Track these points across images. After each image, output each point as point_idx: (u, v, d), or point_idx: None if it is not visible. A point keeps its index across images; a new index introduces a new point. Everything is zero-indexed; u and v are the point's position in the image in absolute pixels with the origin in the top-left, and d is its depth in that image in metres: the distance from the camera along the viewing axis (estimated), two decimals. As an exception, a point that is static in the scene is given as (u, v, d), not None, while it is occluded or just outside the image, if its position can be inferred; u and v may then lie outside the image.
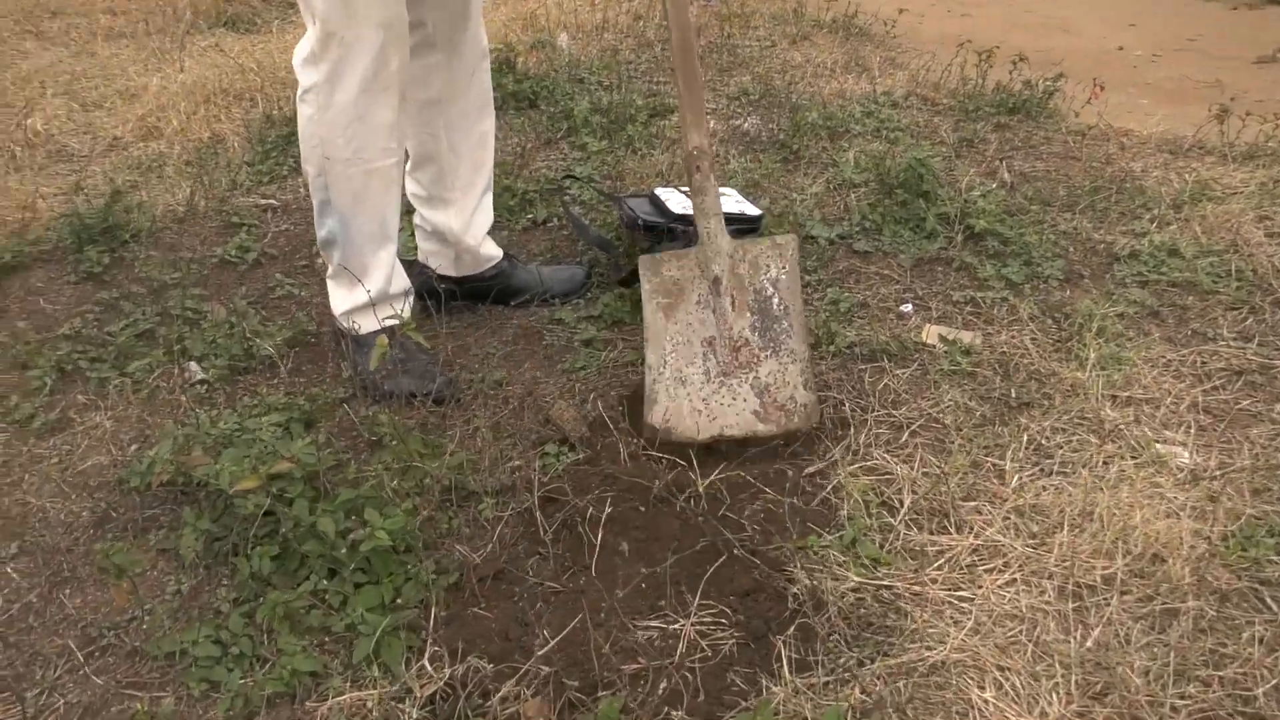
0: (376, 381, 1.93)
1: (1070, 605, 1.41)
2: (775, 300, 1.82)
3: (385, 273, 1.94)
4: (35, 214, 2.70)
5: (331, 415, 1.87)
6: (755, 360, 1.79)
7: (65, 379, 2.01)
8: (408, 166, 2.10)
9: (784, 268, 1.83)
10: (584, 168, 2.91)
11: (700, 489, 1.61)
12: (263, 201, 2.83)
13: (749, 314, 1.81)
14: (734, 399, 1.78)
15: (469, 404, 1.91)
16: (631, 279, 2.16)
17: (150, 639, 1.39)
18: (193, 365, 2.02)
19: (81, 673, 1.36)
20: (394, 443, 1.69)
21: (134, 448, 1.79)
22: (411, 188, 2.12)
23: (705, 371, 1.78)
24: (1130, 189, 2.61)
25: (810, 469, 1.69)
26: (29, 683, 1.35)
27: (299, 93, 1.74)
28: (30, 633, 1.43)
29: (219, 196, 2.83)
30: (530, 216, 2.68)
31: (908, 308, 2.18)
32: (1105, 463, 1.69)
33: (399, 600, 1.44)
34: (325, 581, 1.46)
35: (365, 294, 1.94)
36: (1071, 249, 2.38)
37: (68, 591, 1.49)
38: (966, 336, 2.04)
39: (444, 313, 2.22)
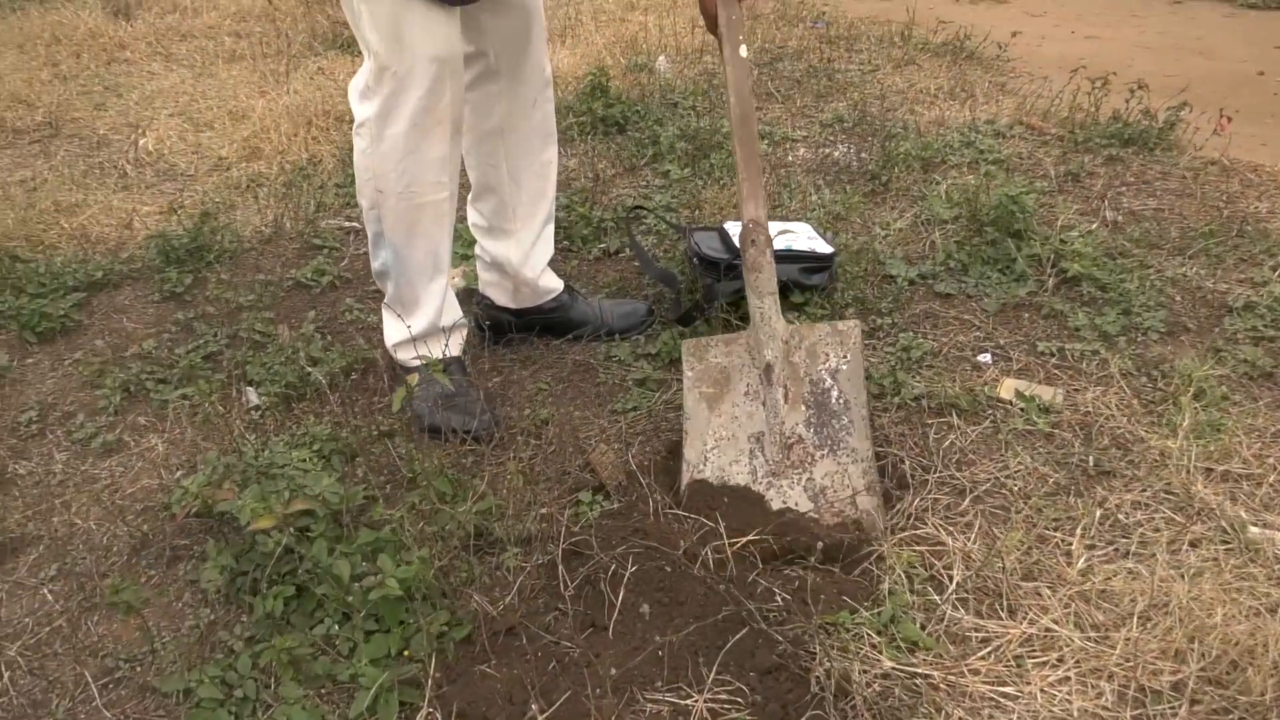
0: (422, 415, 1.91)
1: (1130, 712, 1.26)
2: (834, 393, 1.64)
3: (436, 305, 1.93)
4: (132, 232, 2.83)
5: (373, 449, 1.86)
6: (809, 459, 1.60)
7: (130, 399, 2.07)
8: (469, 196, 2.08)
9: (845, 357, 1.66)
10: (662, 196, 2.85)
11: (729, 552, 1.51)
12: (346, 224, 2.88)
13: (804, 408, 1.63)
14: (784, 503, 1.58)
15: (509, 443, 1.87)
16: (689, 317, 2.09)
17: (162, 675, 1.39)
18: (250, 391, 2.05)
19: (94, 704, 1.37)
20: (423, 483, 1.66)
21: (179, 474, 1.82)
22: (472, 218, 2.11)
23: (752, 471, 1.61)
24: (1251, 232, 2.36)
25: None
26: (44, 711, 1.36)
27: (354, 126, 1.75)
28: (54, 659, 1.45)
29: (305, 218, 2.90)
30: (603, 246, 2.63)
31: (986, 358, 2.03)
32: (1190, 546, 1.51)
33: (406, 652, 1.40)
34: (337, 626, 1.44)
35: (419, 323, 1.93)
36: (1178, 298, 2.17)
37: (95, 619, 1.52)
38: (1047, 393, 1.87)
39: (501, 344, 2.21)
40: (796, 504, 1.58)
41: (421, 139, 1.71)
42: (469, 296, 2.29)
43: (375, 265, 1.91)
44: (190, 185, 3.24)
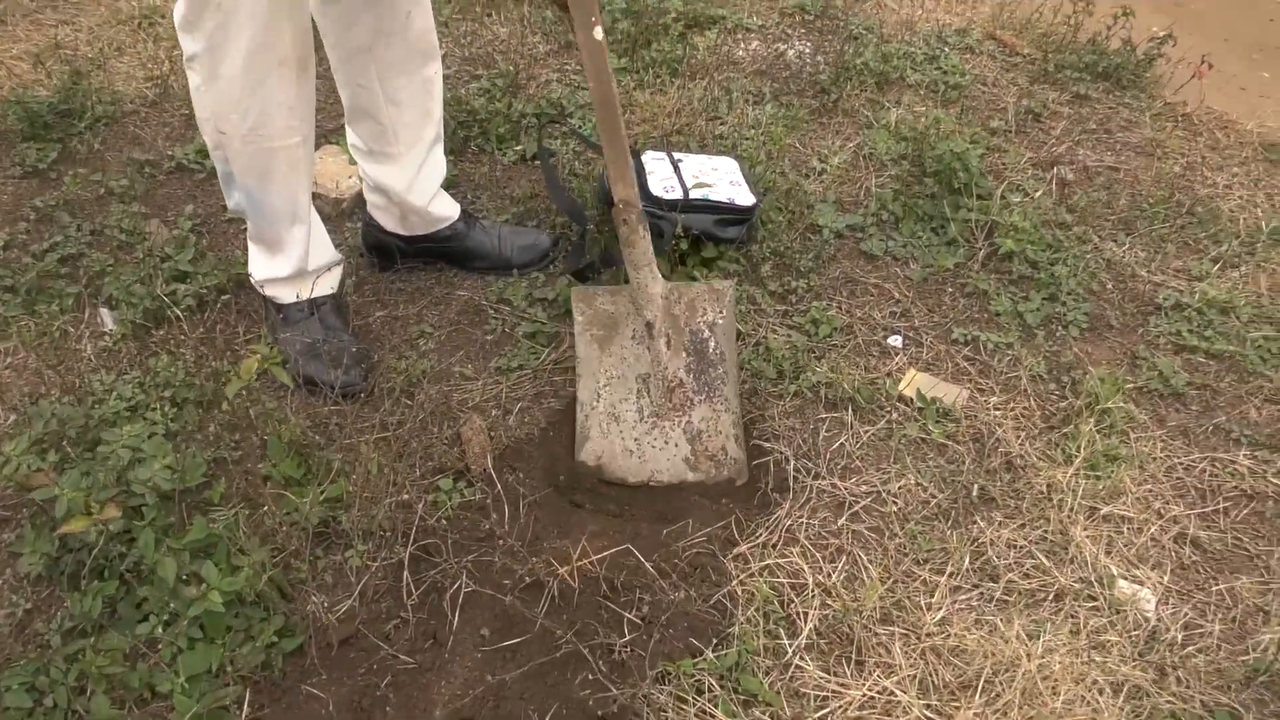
0: (293, 359, 1.78)
1: (953, 796, 1.25)
2: (711, 344, 1.70)
3: (300, 250, 1.75)
4: (-3, 83, 2.53)
5: (250, 375, 1.72)
6: (689, 403, 1.68)
7: (-25, 308, 1.90)
8: (344, 117, 1.86)
9: (721, 313, 1.70)
10: (587, 94, 2.59)
11: (574, 576, 1.45)
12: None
13: (684, 354, 1.69)
14: (666, 443, 1.67)
15: (378, 401, 1.75)
16: (586, 273, 1.93)
17: (-30, 671, 1.32)
18: (104, 313, 1.89)
19: (-107, 699, 1.31)
20: (272, 465, 1.55)
21: (11, 418, 1.68)
22: (351, 139, 1.89)
23: (639, 410, 1.68)
24: (1202, 213, 2.22)
25: (722, 555, 1.51)
26: None
27: (184, 59, 1.50)
28: None
29: (196, 79, 2.61)
30: (519, 149, 2.42)
31: (897, 340, 1.92)
32: (1055, 598, 1.47)
33: (230, 667, 1.33)
34: (162, 629, 1.37)
35: (283, 266, 1.77)
36: (1109, 285, 2.05)
37: (-98, 593, 1.43)
38: (950, 394, 1.78)
39: (390, 272, 2.04)
40: (677, 444, 1.64)
41: (262, 79, 1.48)
42: (359, 208, 2.10)
43: (230, 204, 1.72)
44: (74, 18, 2.89)
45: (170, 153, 2.36)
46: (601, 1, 2.92)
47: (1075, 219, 2.18)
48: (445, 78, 2.61)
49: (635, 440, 1.66)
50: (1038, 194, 2.23)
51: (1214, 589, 1.50)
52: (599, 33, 1.51)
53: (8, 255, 2.02)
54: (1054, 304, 1.98)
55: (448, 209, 2.00)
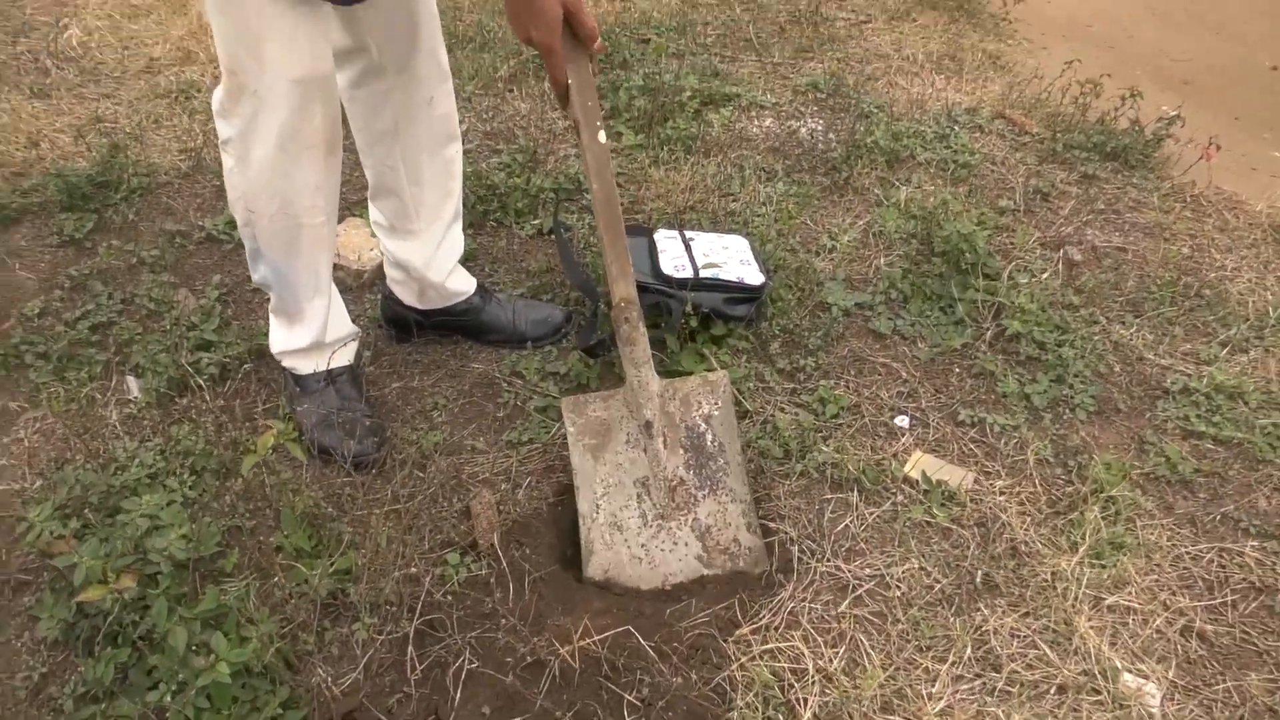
0: (309, 430, 1.82)
1: None
2: (709, 437, 1.69)
3: (320, 321, 1.81)
4: (39, 154, 2.64)
5: (265, 450, 1.76)
6: (693, 500, 1.66)
7: (7, 374, 1.96)
8: (368, 193, 1.93)
9: (717, 404, 1.71)
10: (609, 167, 2.66)
11: (575, 656, 1.46)
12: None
13: (682, 451, 1.68)
14: (675, 544, 1.65)
15: (390, 474, 1.79)
16: (597, 351, 1.97)
17: (-19, 738, 1.35)
18: (131, 381, 1.95)
19: (-94, 765, 1.34)
20: (285, 535, 1.59)
21: (38, 483, 1.73)
22: (373, 215, 1.96)
23: (641, 515, 1.65)
24: (1210, 296, 2.24)
25: (723, 637, 1.52)
26: None
27: (220, 141, 1.58)
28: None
29: (229, 151, 2.71)
30: (537, 224, 2.48)
31: (903, 421, 1.94)
32: (1058, 691, 1.47)
33: (232, 743, 1.35)
34: (170, 697, 1.39)
35: (302, 338, 1.82)
36: (1117, 368, 2.06)
37: (-77, 658, 1.47)
38: (955, 477, 1.80)
39: (407, 344, 2.09)
40: (687, 544, 1.63)
41: (292, 163, 1.55)
42: (379, 279, 2.16)
43: (255, 278, 1.78)
44: (115, 92, 3.02)
45: (201, 223, 2.44)
46: (619, 81, 3.02)
47: (1083, 300, 2.20)
48: (466, 152, 2.70)
49: (642, 546, 1.63)
50: (1045, 275, 2.25)
51: (1221, 686, 1.49)
52: (603, 136, 1.57)
53: (42, 322, 2.09)
54: (1061, 386, 2.00)
55: (464, 284, 2.06)
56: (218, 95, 1.51)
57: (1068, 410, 1.96)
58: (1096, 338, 2.12)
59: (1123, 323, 2.18)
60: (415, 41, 1.69)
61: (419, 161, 1.83)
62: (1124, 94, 2.77)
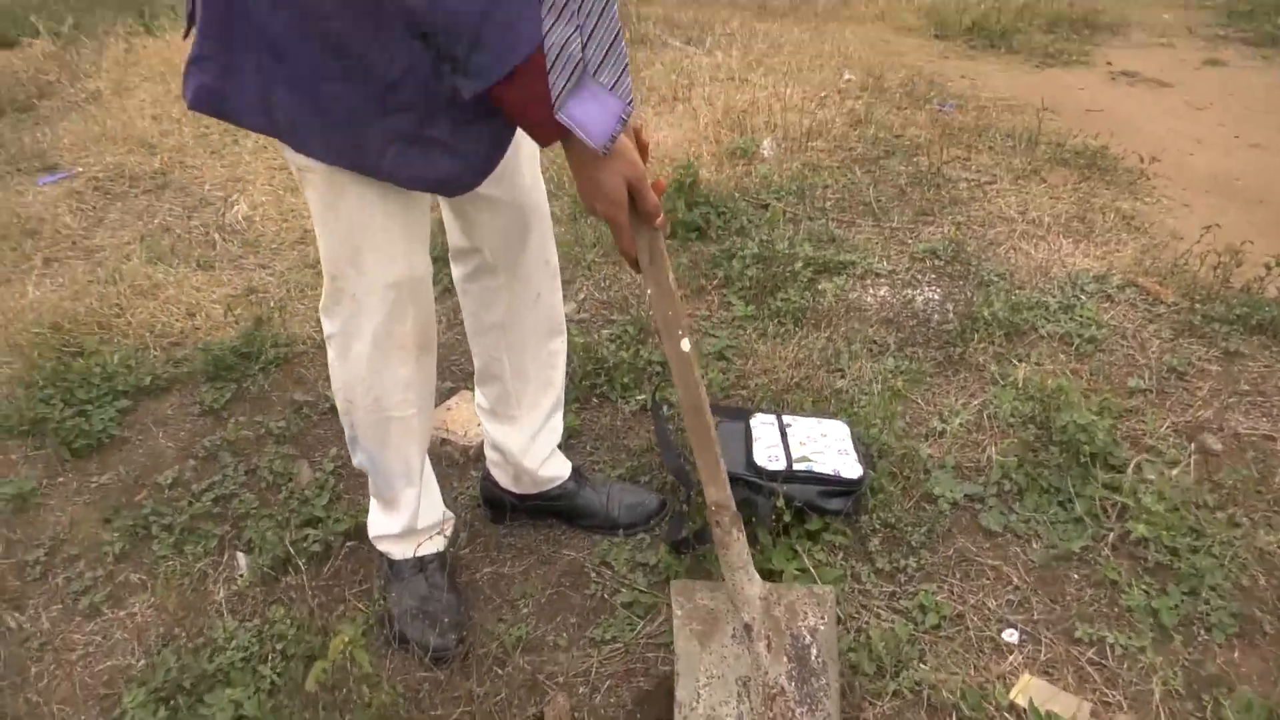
0: (393, 616, 1.86)
1: None
2: (814, 651, 1.61)
3: (411, 510, 1.86)
4: (194, 324, 2.89)
5: (336, 655, 1.81)
6: (790, 715, 1.57)
7: (135, 543, 2.10)
8: (475, 376, 2.00)
9: (822, 619, 1.63)
10: (717, 338, 2.68)
11: None
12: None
13: (785, 659, 1.61)
14: None
15: (469, 670, 1.78)
16: (682, 547, 1.94)
17: None
18: (240, 558, 2.04)
19: None
20: (358, 734, 1.60)
21: (141, 662, 1.82)
22: (477, 398, 2.03)
23: (739, 716, 1.58)
24: (1375, 497, 2.01)
25: None
26: None
27: (325, 335, 1.69)
28: None
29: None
30: (642, 398, 2.50)
31: (1013, 636, 1.79)
32: None
33: None
34: None
35: (395, 524, 1.88)
36: (1261, 581, 1.86)
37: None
38: (1069, 707, 1.63)
39: (502, 525, 2.12)
40: None
41: (384, 361, 1.65)
42: (483, 456, 2.22)
43: (355, 462, 1.86)
44: (270, 262, 3.29)
45: (327, 394, 2.58)
46: (734, 249, 3.06)
47: (1222, 499, 2.01)
48: (580, 322, 2.79)
49: None
50: (1177, 469, 2.08)
51: None
52: (686, 344, 1.58)
53: (172, 493, 2.24)
54: (1195, 601, 1.81)
55: (558, 469, 2.08)
56: (323, 294, 1.63)
57: (1203, 630, 1.77)
58: (1238, 544, 1.92)
59: (1270, 526, 1.97)
60: (525, 245, 1.78)
61: (523, 354, 1.90)
62: (1269, 261, 2.58)
